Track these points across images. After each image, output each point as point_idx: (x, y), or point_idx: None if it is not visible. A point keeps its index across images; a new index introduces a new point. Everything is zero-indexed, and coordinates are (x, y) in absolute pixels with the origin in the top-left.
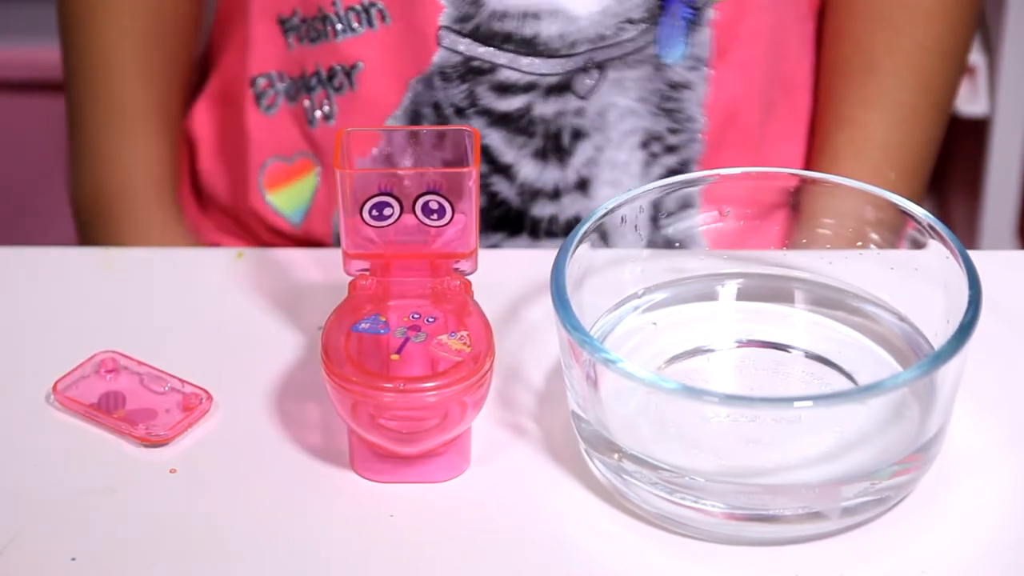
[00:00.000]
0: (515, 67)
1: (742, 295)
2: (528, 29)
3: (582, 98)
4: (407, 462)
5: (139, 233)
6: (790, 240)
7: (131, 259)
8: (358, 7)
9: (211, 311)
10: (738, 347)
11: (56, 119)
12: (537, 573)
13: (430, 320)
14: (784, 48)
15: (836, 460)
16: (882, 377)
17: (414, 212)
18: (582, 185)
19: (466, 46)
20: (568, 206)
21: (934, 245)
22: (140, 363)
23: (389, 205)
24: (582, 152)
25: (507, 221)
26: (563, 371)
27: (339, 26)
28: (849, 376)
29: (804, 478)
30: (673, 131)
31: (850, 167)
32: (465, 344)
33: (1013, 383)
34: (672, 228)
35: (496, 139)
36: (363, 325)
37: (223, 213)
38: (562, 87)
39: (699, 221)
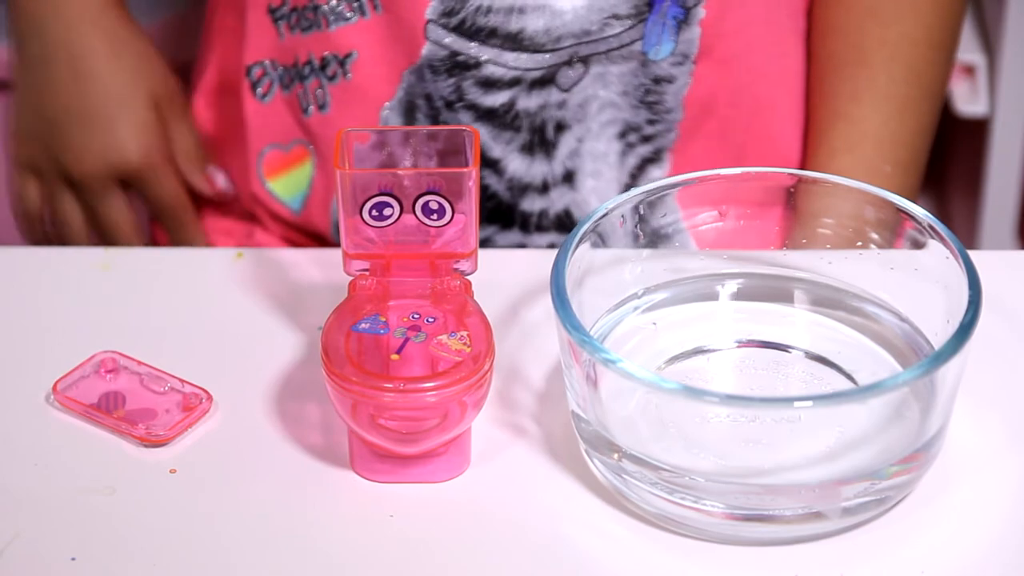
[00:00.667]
0: (500, 63)
1: (742, 295)
2: (514, 24)
3: (565, 91)
4: (407, 462)
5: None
6: (790, 240)
7: (131, 259)
8: None
9: (211, 311)
10: (738, 347)
11: None
12: (537, 573)
13: (430, 320)
14: (776, 42)
15: (836, 460)
16: (882, 377)
17: (414, 212)
18: (568, 177)
19: (452, 40)
20: (556, 200)
21: (934, 245)
22: (140, 363)
23: (389, 205)
24: (565, 144)
25: (499, 214)
26: (563, 371)
27: (331, 16)
28: (849, 376)
29: (804, 478)
30: (651, 122)
31: (845, 162)
32: (465, 344)
33: (1013, 383)
34: (672, 228)
35: (484, 134)
36: (363, 325)
37: (226, 208)
38: (545, 80)
39: (699, 221)
